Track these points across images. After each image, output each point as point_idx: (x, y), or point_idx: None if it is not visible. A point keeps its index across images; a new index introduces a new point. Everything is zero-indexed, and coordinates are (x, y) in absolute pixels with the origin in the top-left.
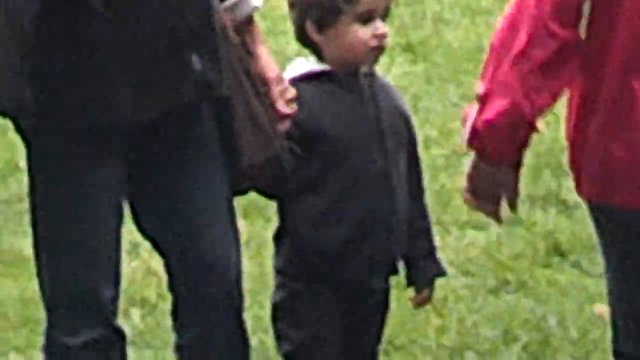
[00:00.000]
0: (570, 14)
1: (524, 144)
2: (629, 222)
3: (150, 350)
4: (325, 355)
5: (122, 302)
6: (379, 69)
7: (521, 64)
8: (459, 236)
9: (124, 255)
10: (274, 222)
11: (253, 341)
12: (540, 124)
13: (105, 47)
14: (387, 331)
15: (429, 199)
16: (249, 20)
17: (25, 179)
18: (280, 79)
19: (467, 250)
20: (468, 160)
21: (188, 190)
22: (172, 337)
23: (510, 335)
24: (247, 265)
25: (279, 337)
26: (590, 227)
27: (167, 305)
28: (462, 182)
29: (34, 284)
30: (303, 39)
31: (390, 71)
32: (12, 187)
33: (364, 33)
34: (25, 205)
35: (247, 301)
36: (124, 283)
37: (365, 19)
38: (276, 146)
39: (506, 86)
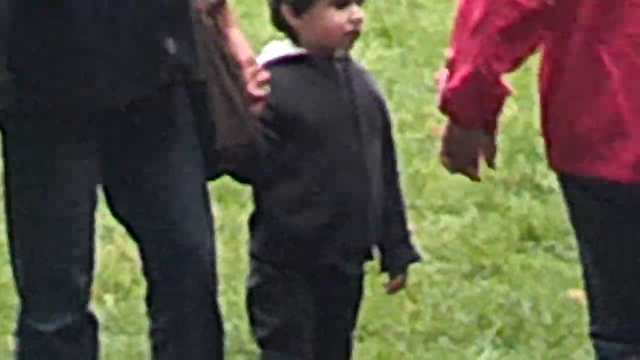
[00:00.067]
0: None
1: (494, 108)
2: (597, 192)
3: (124, 336)
4: (300, 341)
5: (95, 287)
6: (354, 54)
7: (480, 32)
8: (434, 221)
9: (97, 240)
10: (249, 207)
11: (227, 326)
12: (509, 87)
13: (81, 31)
14: (361, 317)
15: (403, 183)
16: (221, 3)
17: None
18: (252, 62)
19: (442, 235)
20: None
21: (163, 175)
22: (146, 323)
23: (485, 320)
24: (221, 250)
25: (253, 322)
26: (564, 212)
27: (141, 290)
28: (437, 166)
29: (8, 270)
30: (279, 22)
31: (365, 55)
32: None
33: (339, 17)
34: None
35: (221, 286)
36: (97, 268)
37: (341, 3)
38: (251, 129)
39: (467, 54)
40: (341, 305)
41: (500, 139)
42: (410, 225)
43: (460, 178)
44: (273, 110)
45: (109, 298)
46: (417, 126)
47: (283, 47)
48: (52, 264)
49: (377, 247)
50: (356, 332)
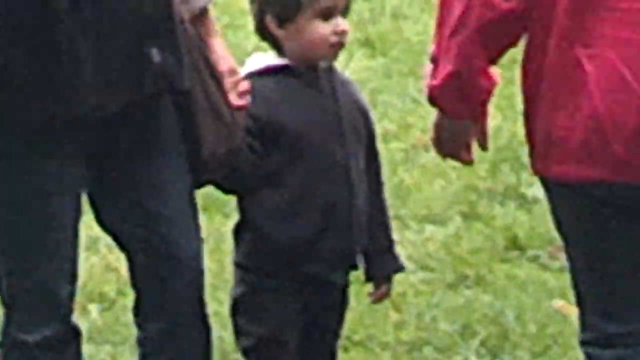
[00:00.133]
0: None
1: (480, 100)
2: (579, 193)
3: (109, 346)
4: (284, 351)
5: (80, 298)
6: (338, 64)
7: (459, 32)
8: (418, 231)
9: (82, 251)
10: (233, 218)
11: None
12: (495, 77)
13: (65, 41)
14: (346, 326)
15: (387, 193)
16: (204, 13)
17: None
18: (233, 72)
19: (426, 245)
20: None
21: (150, 183)
22: (131, 333)
23: (469, 330)
24: (205, 261)
25: (238, 332)
26: (549, 222)
27: (126, 301)
28: (421, 176)
29: None
30: (263, 33)
31: (349, 66)
32: None
33: (324, 29)
34: None
35: (206, 297)
36: (82, 278)
37: (326, 15)
38: (237, 137)
39: (447, 53)
40: (326, 315)
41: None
42: (395, 235)
43: (444, 188)
44: (256, 121)
45: (93, 308)
46: (402, 136)
47: (267, 58)
48: (35, 275)
49: (361, 256)
50: (341, 342)
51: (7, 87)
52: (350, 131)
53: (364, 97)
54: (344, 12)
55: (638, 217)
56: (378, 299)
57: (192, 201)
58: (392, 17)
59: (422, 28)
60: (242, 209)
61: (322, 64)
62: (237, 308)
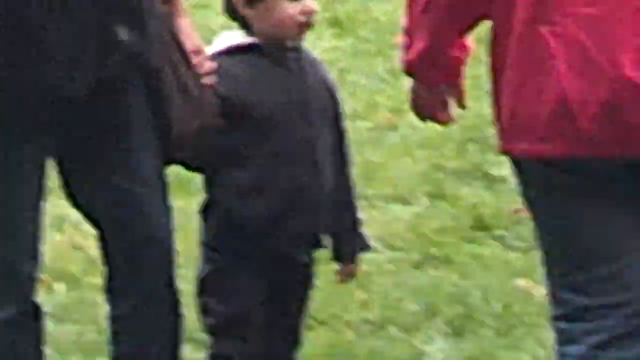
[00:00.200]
0: None
1: (455, 70)
2: (544, 169)
3: (75, 325)
4: (249, 329)
5: (46, 277)
6: (306, 44)
7: (429, 10)
8: (384, 210)
9: (48, 230)
10: (199, 197)
11: None
12: (468, 47)
13: (32, 23)
14: (311, 305)
15: (354, 172)
16: None
17: None
18: (199, 51)
19: (392, 225)
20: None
21: (121, 162)
22: (96, 312)
23: (434, 309)
24: None
25: (203, 312)
26: (515, 202)
27: (92, 279)
28: (388, 156)
29: None
30: (231, 12)
31: (317, 45)
32: None
33: (292, 9)
34: None
35: None
36: (48, 257)
37: None
38: (207, 116)
39: (419, 30)
40: (292, 294)
41: (451, 129)
42: (361, 215)
43: (411, 167)
44: (223, 100)
45: (59, 287)
46: (369, 116)
47: (235, 37)
48: None
49: (328, 236)
50: (306, 321)
51: None
52: (318, 111)
53: (332, 76)
54: None
55: (605, 192)
56: (344, 278)
57: (163, 180)
58: None
59: (390, 8)
60: (208, 188)
61: (290, 44)
62: (203, 287)
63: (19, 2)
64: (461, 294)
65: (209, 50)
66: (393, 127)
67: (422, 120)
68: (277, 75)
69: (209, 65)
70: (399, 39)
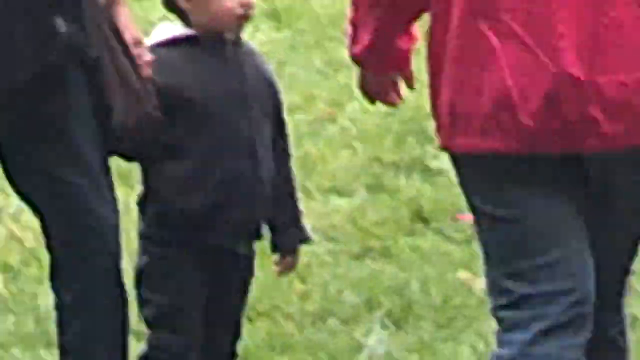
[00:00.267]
0: None
1: (402, 59)
2: (484, 164)
3: (13, 316)
4: (188, 321)
5: None
6: (244, 35)
7: (374, 8)
8: (323, 202)
9: None
10: (137, 189)
11: None
12: (415, 36)
13: None
14: (251, 297)
15: (292, 165)
16: None
17: None
18: (138, 42)
19: (331, 217)
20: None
21: (64, 154)
22: (36, 304)
23: (374, 301)
24: None
25: (141, 302)
26: (454, 195)
27: (30, 271)
28: (327, 148)
29: None
30: (170, 4)
31: (255, 37)
32: None
33: (231, 1)
34: None
35: None
36: None
37: None
38: (147, 106)
39: (365, 24)
40: (231, 286)
41: (390, 121)
42: (301, 207)
43: (349, 160)
44: (161, 91)
45: None
46: (307, 108)
47: (173, 28)
48: None
49: (268, 227)
50: (246, 312)
51: None
52: (256, 103)
53: (271, 68)
54: None
55: (546, 182)
56: (284, 270)
57: (107, 170)
58: None
59: (328, 1)
60: (145, 179)
61: (229, 36)
62: (141, 278)
63: None
64: (401, 286)
65: (148, 41)
66: (332, 120)
67: (372, 103)
68: (216, 67)
69: (148, 56)
70: (345, 29)
